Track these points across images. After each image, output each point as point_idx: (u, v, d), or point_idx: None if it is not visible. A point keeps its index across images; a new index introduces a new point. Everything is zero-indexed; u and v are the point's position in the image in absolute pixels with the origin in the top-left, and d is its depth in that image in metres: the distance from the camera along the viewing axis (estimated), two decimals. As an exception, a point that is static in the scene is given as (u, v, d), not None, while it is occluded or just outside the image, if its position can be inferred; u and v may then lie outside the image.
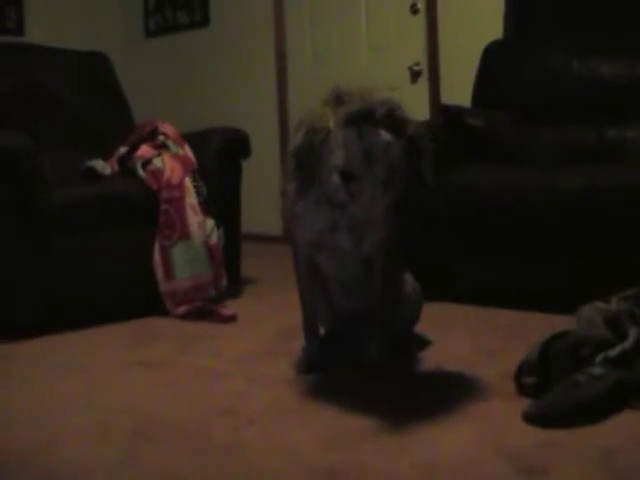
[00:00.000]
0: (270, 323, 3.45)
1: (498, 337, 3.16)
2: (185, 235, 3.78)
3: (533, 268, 3.59)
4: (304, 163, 2.45)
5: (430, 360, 2.89)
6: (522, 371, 2.47)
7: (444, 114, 4.11)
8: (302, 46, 6.15)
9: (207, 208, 3.92)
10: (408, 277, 2.95)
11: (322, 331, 2.95)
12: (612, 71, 4.18)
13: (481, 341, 3.12)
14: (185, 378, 2.78)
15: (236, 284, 4.25)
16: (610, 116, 4.12)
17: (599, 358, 2.38)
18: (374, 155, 2.30)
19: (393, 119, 2.33)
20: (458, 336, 3.21)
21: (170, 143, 4.02)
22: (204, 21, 6.70)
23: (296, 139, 2.47)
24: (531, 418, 2.23)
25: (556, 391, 2.28)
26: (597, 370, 2.32)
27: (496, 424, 2.25)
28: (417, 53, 5.47)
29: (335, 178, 2.37)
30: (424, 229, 3.70)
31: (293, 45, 6.23)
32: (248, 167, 4.46)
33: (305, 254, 2.72)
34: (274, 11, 6.26)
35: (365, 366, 2.77)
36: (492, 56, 4.58)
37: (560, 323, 2.89)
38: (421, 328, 3.09)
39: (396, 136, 2.33)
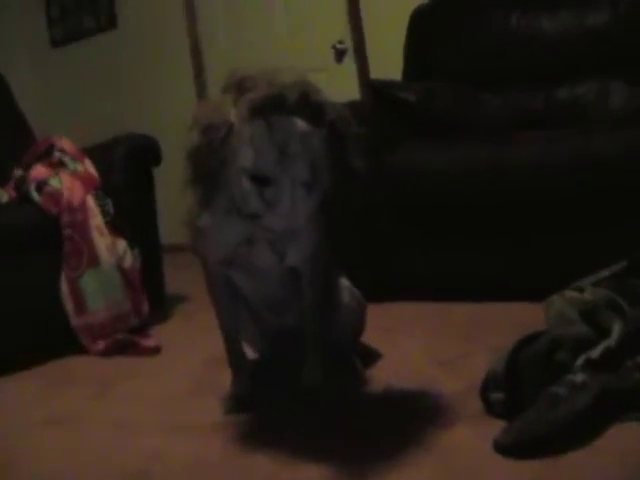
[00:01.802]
0: (198, 350, 3.03)
1: (456, 339, 2.77)
2: (94, 261, 3.35)
3: (488, 254, 3.20)
4: (204, 167, 2.02)
5: (380, 377, 2.49)
6: (489, 385, 2.04)
7: (372, 90, 3.71)
8: (217, 37, 5.75)
9: (116, 228, 3.50)
10: (345, 283, 2.55)
11: (255, 355, 2.63)
12: (556, 25, 3.80)
13: (437, 346, 2.72)
14: (95, 436, 2.35)
15: (161, 307, 3.83)
16: (558, 74, 3.75)
17: (579, 362, 1.97)
18: (290, 151, 1.90)
19: (308, 104, 1.94)
20: (410, 343, 2.80)
21: (68, 160, 3.59)
22: (111, 23, 6.26)
23: (191, 139, 2.02)
24: (503, 448, 1.81)
25: (531, 410, 1.87)
26: (579, 377, 1.91)
27: (464, 459, 1.85)
28: (340, 30, 5.11)
29: (245, 183, 1.95)
30: (358, 225, 3.28)
31: (208, 37, 5.83)
32: (166, 172, 4.00)
33: (218, 274, 2.30)
34: (184, 3, 5.85)
35: (305, 392, 2.37)
36: (420, 23, 4.18)
37: (524, 313, 2.61)
38: (367, 338, 2.68)
39: (314, 124, 1.94)
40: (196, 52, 5.87)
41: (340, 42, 5.10)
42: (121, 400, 2.66)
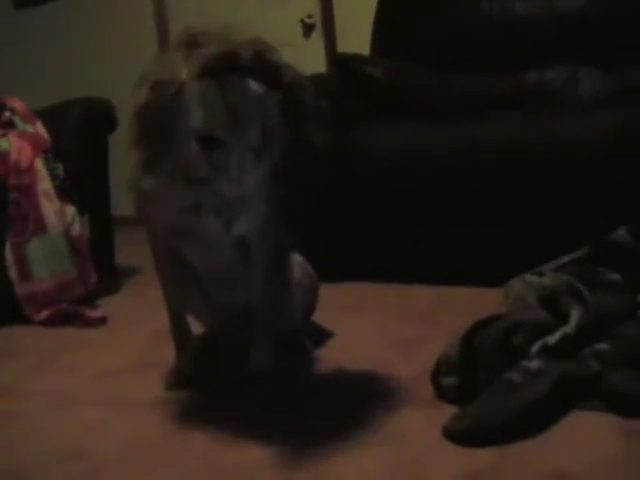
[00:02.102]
0: (145, 324, 2.91)
1: (414, 322, 2.67)
2: (40, 228, 3.22)
3: (450, 237, 3.10)
4: (151, 127, 1.90)
5: (331, 358, 2.39)
6: (440, 370, 1.95)
7: (338, 64, 3.59)
8: (183, 6, 5.58)
9: (65, 193, 3.36)
10: (297, 259, 2.45)
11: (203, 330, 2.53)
12: (527, 8, 3.70)
13: (393, 328, 2.62)
14: (32, 410, 2.23)
15: (111, 279, 3.70)
16: (527, 58, 3.65)
17: (536, 347, 1.90)
18: (242, 113, 1.79)
19: (264, 65, 1.83)
20: (365, 324, 2.70)
21: (17, 120, 3.45)
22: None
23: (139, 96, 1.90)
24: (454, 435, 1.72)
25: (485, 396, 1.79)
26: (535, 363, 1.83)
27: (412, 444, 1.76)
28: (309, 4, 5.01)
29: (193, 145, 1.84)
30: (318, 202, 3.17)
31: (173, 5, 5.66)
32: (123, 141, 3.86)
33: (163, 243, 2.19)
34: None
35: (252, 372, 2.25)
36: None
37: (486, 298, 2.52)
38: (320, 317, 2.59)
39: (269, 87, 1.83)
40: (161, 20, 5.72)
41: (309, 16, 5.00)
42: (61, 373, 2.53)
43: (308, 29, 5.00)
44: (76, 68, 6.16)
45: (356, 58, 3.64)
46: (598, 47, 3.50)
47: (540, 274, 2.22)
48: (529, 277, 2.22)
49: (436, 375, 1.95)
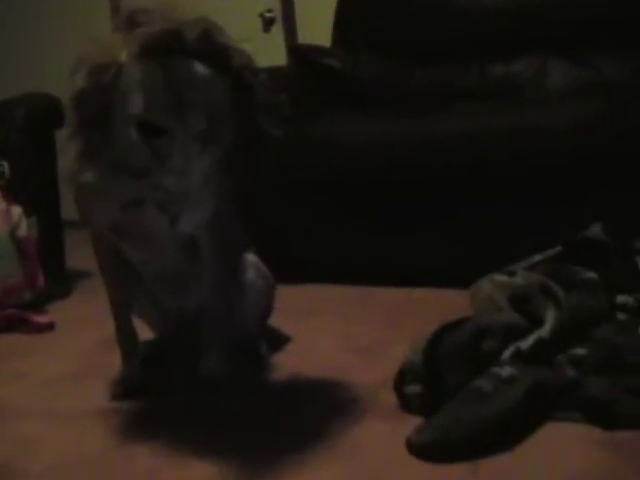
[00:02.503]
0: (93, 330, 2.74)
1: (376, 325, 2.53)
2: (-16, 228, 3.05)
3: (414, 234, 2.95)
4: (88, 114, 1.74)
5: (288, 364, 2.25)
6: (404, 377, 1.80)
7: (294, 55, 3.45)
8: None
9: (11, 193, 3.22)
10: (251, 259, 2.30)
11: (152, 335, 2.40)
12: (491, -2, 3.56)
13: (354, 332, 2.48)
14: (-35, 421, 2.08)
15: (60, 282, 3.54)
16: (493, 49, 3.50)
17: (508, 353, 1.76)
18: (186, 98, 1.65)
19: (211, 46, 1.68)
20: (324, 327, 2.56)
21: (-42, 116, 3.29)
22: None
23: (75, 82, 1.74)
24: (418, 448, 1.58)
25: (452, 405, 1.64)
26: (506, 370, 1.69)
27: (373, 458, 1.63)
28: None
29: (133, 133, 1.70)
30: (272, 197, 3.02)
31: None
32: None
33: (104, 241, 2.04)
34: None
35: (203, 380, 2.10)
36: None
37: (453, 299, 2.41)
38: (276, 321, 2.44)
39: (216, 70, 1.68)
40: (115, 5, 5.47)
41: (269, 10, 4.87)
42: (2, 381, 2.39)
43: (268, 23, 4.86)
44: (23, 54, 5.86)
45: (315, 49, 3.49)
46: (568, 39, 3.38)
47: (511, 273, 2.09)
48: (499, 277, 2.09)
49: (399, 383, 1.81)
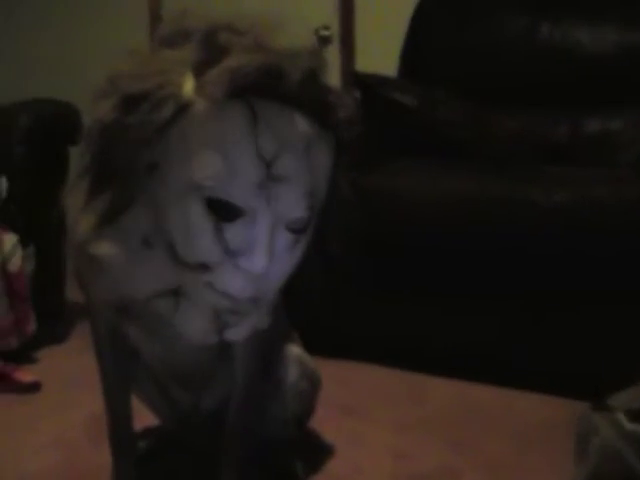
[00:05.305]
0: (86, 395, 2.19)
1: (436, 438, 2.07)
2: (-32, 259, 2.63)
3: (481, 317, 2.52)
4: (116, 162, 1.24)
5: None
6: None
7: (361, 87, 2.95)
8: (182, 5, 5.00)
9: (6, 217, 2.79)
10: (294, 352, 1.81)
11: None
12: (594, 40, 3.12)
13: (410, 447, 2.02)
14: None
15: (57, 323, 3.11)
16: (589, 101, 3.07)
17: None
18: (281, 168, 1.19)
19: (316, 90, 1.26)
20: (372, 438, 2.09)
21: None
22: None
23: (99, 112, 1.25)
24: None
25: None
26: None
27: None
28: (326, 13, 4.46)
29: (194, 210, 1.21)
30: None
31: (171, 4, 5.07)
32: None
33: (105, 321, 1.56)
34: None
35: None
36: (428, 14, 3.49)
37: (533, 406, 2.17)
38: (317, 421, 1.96)
39: (320, 124, 1.26)
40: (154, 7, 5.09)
41: (325, 27, 4.44)
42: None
43: (323, 42, 4.43)
44: (51, 51, 5.31)
45: (385, 82, 3.06)
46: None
47: (636, 416, 1.57)
48: (622, 418, 1.56)
49: None
